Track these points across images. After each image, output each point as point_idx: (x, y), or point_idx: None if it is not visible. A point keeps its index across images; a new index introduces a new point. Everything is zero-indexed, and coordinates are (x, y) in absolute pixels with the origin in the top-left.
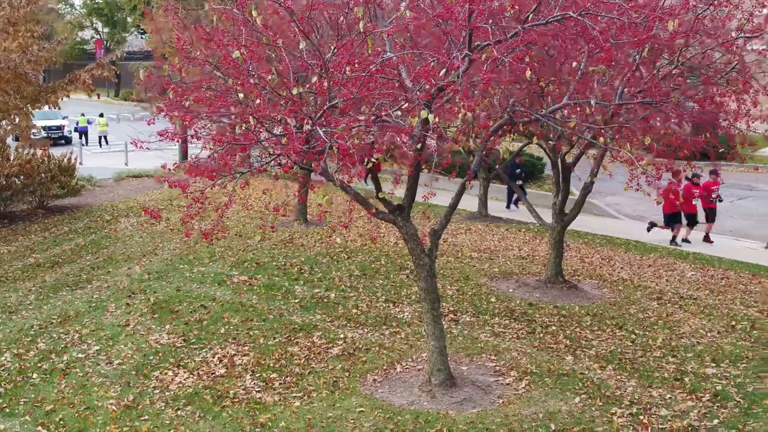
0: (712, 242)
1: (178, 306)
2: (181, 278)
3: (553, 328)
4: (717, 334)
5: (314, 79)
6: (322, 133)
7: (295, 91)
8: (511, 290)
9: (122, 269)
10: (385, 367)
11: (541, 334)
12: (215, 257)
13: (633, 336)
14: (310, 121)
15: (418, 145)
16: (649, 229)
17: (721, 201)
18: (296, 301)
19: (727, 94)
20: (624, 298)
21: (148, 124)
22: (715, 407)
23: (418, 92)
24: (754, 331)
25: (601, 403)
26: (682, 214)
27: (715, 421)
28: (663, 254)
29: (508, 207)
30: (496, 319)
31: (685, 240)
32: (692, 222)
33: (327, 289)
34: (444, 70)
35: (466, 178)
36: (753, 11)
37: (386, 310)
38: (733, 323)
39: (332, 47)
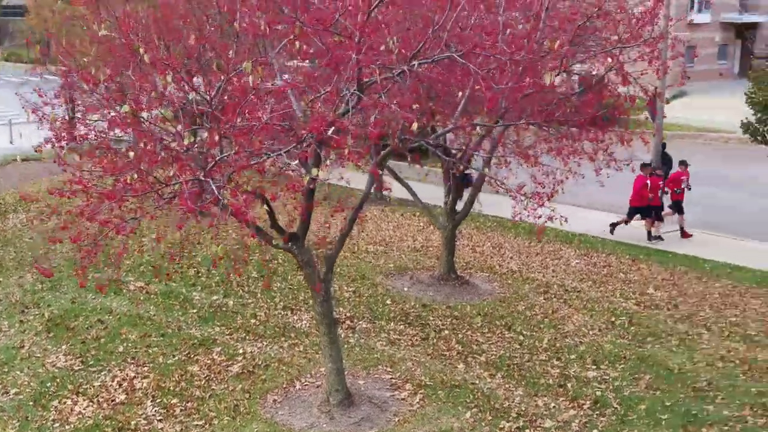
0: (691, 235)
1: (73, 321)
2: (75, 287)
3: (446, 332)
4: (598, 332)
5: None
6: (214, 188)
7: (186, 141)
8: (406, 289)
9: (13, 278)
10: (284, 385)
11: (435, 340)
12: (110, 260)
13: (521, 338)
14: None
15: (311, 186)
16: (612, 231)
17: (689, 190)
18: (194, 311)
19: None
20: (513, 293)
21: (39, 95)
22: (595, 415)
23: (310, 138)
24: (632, 327)
25: (490, 417)
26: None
27: (594, 431)
28: (550, 238)
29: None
30: (392, 324)
31: (657, 236)
32: (659, 214)
33: (225, 295)
34: (333, 108)
35: (356, 208)
36: None
37: (285, 319)
38: (613, 319)
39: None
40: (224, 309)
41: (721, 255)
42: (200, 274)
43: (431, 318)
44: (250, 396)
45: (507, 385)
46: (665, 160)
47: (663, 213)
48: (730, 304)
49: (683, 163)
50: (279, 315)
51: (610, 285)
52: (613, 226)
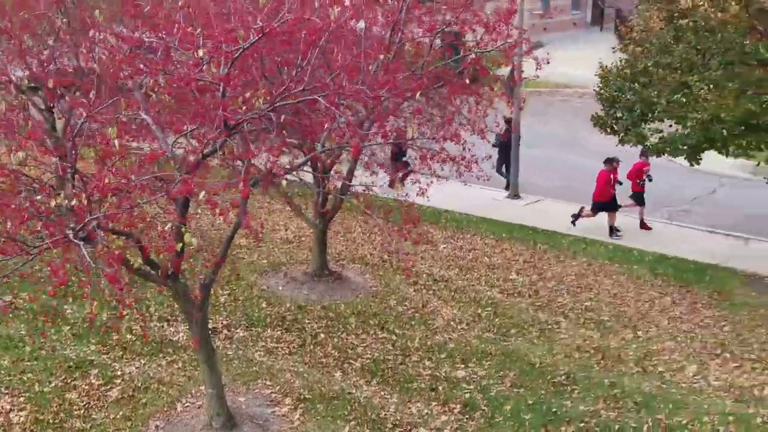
0: (650, 228)
1: None
2: None
3: (322, 335)
4: (466, 326)
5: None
6: (85, 254)
7: (53, 203)
8: (281, 288)
9: None
10: (165, 409)
11: (311, 346)
12: None
13: (394, 337)
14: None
15: (178, 248)
16: (574, 222)
17: (651, 181)
18: (68, 328)
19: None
20: (384, 285)
21: None
22: (465, 419)
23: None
24: (497, 319)
25: (368, 430)
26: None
27: None
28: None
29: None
30: (269, 330)
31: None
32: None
33: (98, 306)
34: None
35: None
36: None
37: (161, 332)
38: (479, 310)
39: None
40: (98, 323)
41: (580, 228)
42: (71, 282)
43: (307, 321)
44: (131, 423)
45: (382, 392)
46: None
47: (624, 204)
48: (585, 286)
49: (644, 155)
50: (155, 328)
51: (476, 272)
52: (575, 217)
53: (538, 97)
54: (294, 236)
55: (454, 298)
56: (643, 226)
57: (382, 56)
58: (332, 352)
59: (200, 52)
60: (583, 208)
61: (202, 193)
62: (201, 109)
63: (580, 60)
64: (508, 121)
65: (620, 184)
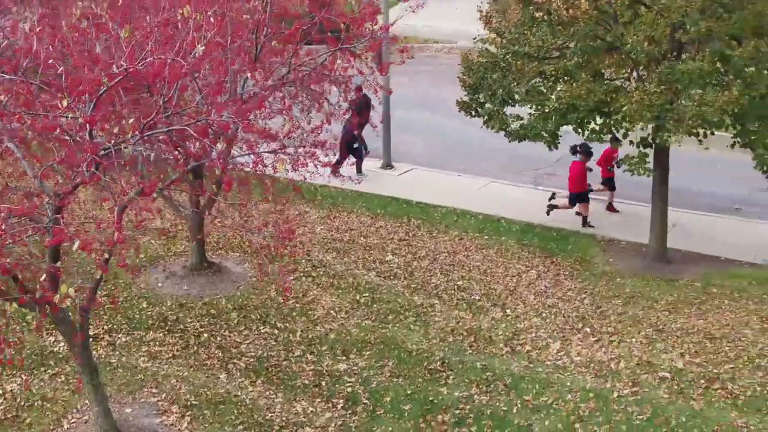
0: (618, 211)
1: None
2: None
3: (205, 335)
4: (345, 314)
5: None
6: None
7: None
8: (160, 285)
9: None
10: (51, 427)
11: (195, 347)
12: None
13: (276, 332)
14: None
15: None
16: (548, 212)
17: (619, 167)
18: None
19: None
20: (264, 275)
21: None
22: (348, 414)
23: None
24: (374, 305)
25: None
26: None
27: None
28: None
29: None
30: (151, 333)
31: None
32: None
33: None
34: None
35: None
36: None
37: (41, 343)
38: (358, 296)
39: None
40: None
41: (451, 197)
42: None
43: (189, 320)
44: None
45: (268, 392)
46: (366, 105)
47: (595, 188)
48: (457, 264)
49: (615, 140)
50: (33, 339)
51: (353, 254)
52: (551, 208)
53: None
54: (171, 224)
55: (333, 284)
56: (611, 208)
57: (248, 75)
58: (216, 352)
59: (65, 102)
60: (554, 194)
61: (77, 244)
62: (69, 153)
63: (450, 13)
64: (358, 89)
65: (590, 170)
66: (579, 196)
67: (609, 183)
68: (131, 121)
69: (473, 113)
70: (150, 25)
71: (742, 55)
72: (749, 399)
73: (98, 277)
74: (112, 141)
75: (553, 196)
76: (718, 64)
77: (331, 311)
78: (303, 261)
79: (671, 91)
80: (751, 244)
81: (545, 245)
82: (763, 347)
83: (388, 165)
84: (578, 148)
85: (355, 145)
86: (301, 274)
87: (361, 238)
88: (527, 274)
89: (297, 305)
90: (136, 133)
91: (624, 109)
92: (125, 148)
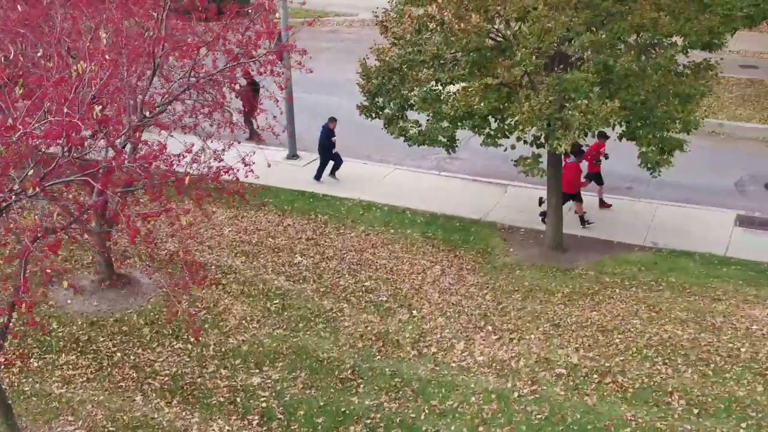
0: (610, 205)
1: None
2: None
3: (119, 354)
4: (257, 324)
5: None
6: None
7: None
8: (69, 301)
9: None
10: None
11: (109, 369)
12: None
13: (189, 347)
14: None
15: None
16: (544, 220)
17: (607, 158)
18: None
19: None
20: (175, 285)
21: None
22: (264, 431)
23: None
24: (285, 312)
25: None
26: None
27: None
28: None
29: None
30: (64, 356)
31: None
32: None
33: None
34: None
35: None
36: None
37: None
38: (268, 304)
39: None
40: None
41: (357, 188)
42: None
43: (101, 339)
44: None
45: (184, 413)
46: (255, 88)
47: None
48: (364, 263)
49: (602, 135)
50: None
51: (262, 257)
52: (543, 215)
53: (308, 27)
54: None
55: (243, 292)
56: (603, 204)
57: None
58: (130, 372)
59: None
60: (542, 199)
61: None
62: None
63: None
64: (245, 72)
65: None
66: (572, 196)
67: (596, 177)
68: (30, 173)
69: (373, 116)
70: (45, 85)
71: (623, 64)
72: (637, 391)
73: (4, 320)
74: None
75: (541, 202)
76: (603, 74)
77: (243, 321)
78: (213, 267)
79: (559, 101)
80: (642, 225)
81: (448, 237)
82: (650, 337)
83: (293, 155)
84: (571, 149)
85: (334, 150)
86: (211, 282)
87: (270, 239)
88: (432, 270)
89: (209, 317)
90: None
91: (516, 118)
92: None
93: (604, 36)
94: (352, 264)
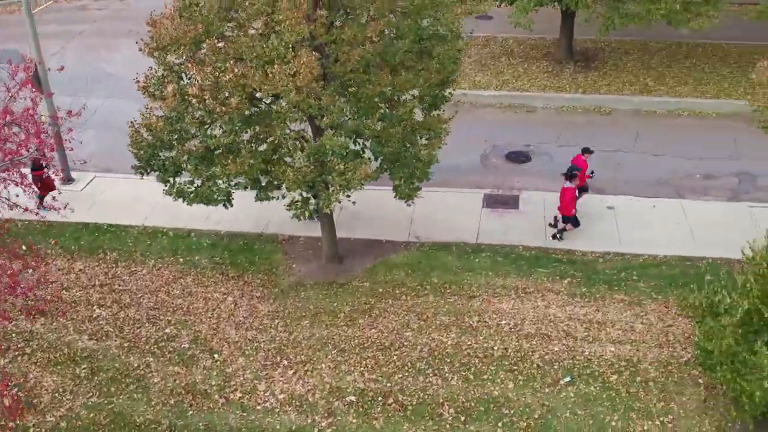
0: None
1: None
2: None
3: None
4: (70, 395)
5: None
6: None
7: None
8: None
9: None
10: None
11: None
12: None
13: None
14: None
15: None
16: (561, 238)
17: (593, 174)
18: None
19: None
20: None
21: None
22: None
23: None
24: (95, 376)
25: None
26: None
27: None
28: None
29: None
30: None
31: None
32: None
33: None
34: None
35: None
36: None
37: None
38: (77, 370)
39: None
40: None
41: (139, 211)
42: None
43: None
44: None
45: None
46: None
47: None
48: (161, 305)
49: (587, 151)
50: None
51: (61, 315)
52: (560, 233)
53: (55, 6)
54: None
55: (50, 360)
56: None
57: None
58: None
59: None
60: (556, 218)
61: None
62: None
63: None
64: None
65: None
66: (571, 219)
67: (584, 188)
68: None
69: (150, 173)
70: None
71: (369, 127)
72: (416, 408)
73: None
74: None
75: (555, 223)
76: (354, 136)
77: (56, 394)
78: (13, 334)
79: (319, 165)
80: (404, 217)
81: (235, 260)
82: (421, 348)
83: (68, 179)
84: (568, 173)
85: None
86: (14, 353)
87: (64, 292)
88: (225, 303)
89: (21, 394)
90: None
91: (282, 181)
92: None
93: (349, 108)
94: (149, 309)
